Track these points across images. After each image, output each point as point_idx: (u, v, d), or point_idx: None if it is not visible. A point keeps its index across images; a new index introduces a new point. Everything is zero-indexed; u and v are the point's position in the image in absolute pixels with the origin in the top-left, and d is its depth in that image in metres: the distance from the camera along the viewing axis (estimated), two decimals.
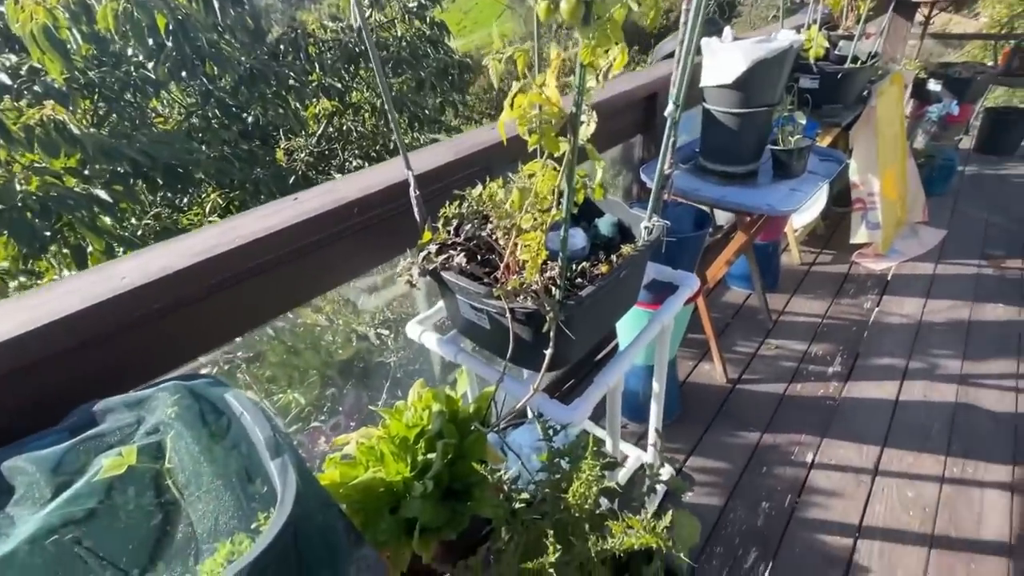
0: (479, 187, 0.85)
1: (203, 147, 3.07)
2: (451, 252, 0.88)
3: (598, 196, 0.86)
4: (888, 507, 1.50)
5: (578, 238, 1.07)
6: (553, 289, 0.83)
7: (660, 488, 1.58)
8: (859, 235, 2.57)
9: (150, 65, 2.61)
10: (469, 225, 0.95)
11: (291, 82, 3.54)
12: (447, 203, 0.89)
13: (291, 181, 3.69)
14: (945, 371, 1.95)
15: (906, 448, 1.67)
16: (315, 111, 4.64)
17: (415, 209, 0.96)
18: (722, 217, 2.63)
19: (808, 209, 2.66)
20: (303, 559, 0.68)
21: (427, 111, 4.41)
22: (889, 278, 2.50)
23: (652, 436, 1.36)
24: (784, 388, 1.91)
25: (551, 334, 0.83)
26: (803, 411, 1.82)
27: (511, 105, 0.65)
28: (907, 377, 1.93)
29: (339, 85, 4.02)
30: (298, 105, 4.21)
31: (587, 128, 0.72)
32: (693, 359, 2.05)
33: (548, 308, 0.79)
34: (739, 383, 1.94)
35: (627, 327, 1.64)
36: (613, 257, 1.06)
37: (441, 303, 1.07)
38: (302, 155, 4.88)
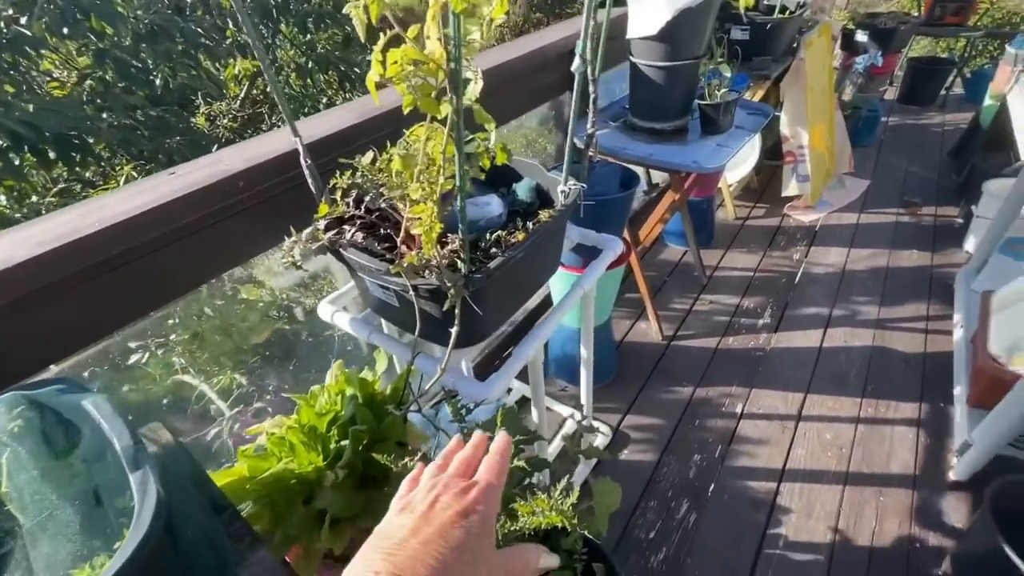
0: (369, 154, 0.78)
1: (103, 114, 2.77)
2: (344, 227, 0.81)
3: (500, 160, 0.80)
4: (808, 450, 1.58)
5: (494, 205, 1.02)
6: (459, 263, 0.78)
7: (599, 446, 1.61)
8: (790, 188, 2.63)
9: (23, 20, 2.29)
10: (369, 196, 0.87)
11: (202, 40, 3.22)
12: (338, 173, 0.81)
13: (214, 149, 3.42)
14: (864, 317, 2.05)
15: (826, 393, 1.76)
16: (234, 72, 4.28)
17: (309, 181, 0.87)
18: (659, 175, 2.62)
19: (741, 164, 2.69)
20: (190, 569, 0.63)
21: (357, 69, 4.15)
22: (817, 229, 2.59)
23: (585, 404, 1.36)
24: (717, 342, 1.96)
25: (456, 311, 0.78)
26: (734, 363, 1.88)
27: (381, 62, 0.58)
28: (830, 325, 2.02)
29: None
30: (213, 66, 3.87)
31: (474, 86, 0.65)
32: (630, 318, 2.07)
33: (449, 284, 0.74)
34: (674, 340, 1.98)
35: (559, 291, 1.62)
36: (530, 224, 1.01)
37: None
38: (224, 120, 4.53)
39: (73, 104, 2.58)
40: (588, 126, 1.32)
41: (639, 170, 2.45)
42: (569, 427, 1.65)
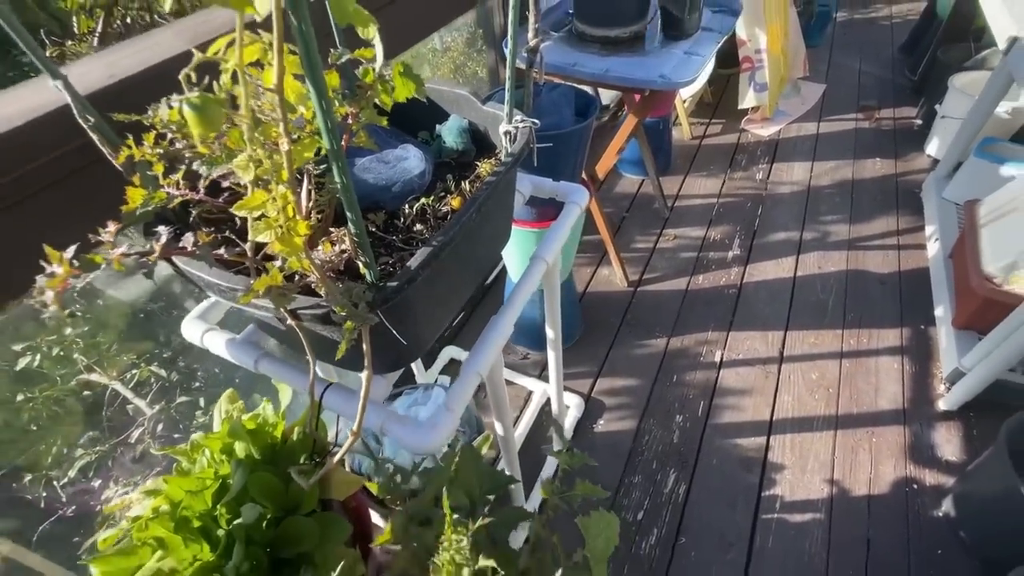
0: (164, 103, 0.45)
1: None
2: (158, 231, 0.49)
3: (402, 93, 0.50)
4: (795, 395, 1.46)
5: (412, 160, 0.72)
6: (361, 266, 0.50)
7: (571, 420, 1.42)
8: (747, 99, 2.39)
9: None
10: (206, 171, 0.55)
11: None
12: (131, 137, 0.48)
13: None
14: (836, 238, 1.91)
15: (807, 327, 1.62)
16: (81, 2, 3.46)
17: (104, 150, 0.53)
18: (609, 94, 2.31)
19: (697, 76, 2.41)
20: None
21: None
22: (778, 142, 2.40)
23: (553, 380, 1.14)
24: (687, 283, 1.78)
25: (364, 346, 0.50)
26: (708, 305, 1.71)
27: None
28: (802, 250, 1.87)
29: None
30: None
31: None
32: (590, 264, 1.84)
33: (343, 312, 0.45)
34: (641, 285, 1.78)
35: (512, 253, 1.35)
36: (466, 185, 0.73)
37: None
38: None
39: None
40: (529, 38, 0.99)
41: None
42: (537, 399, 1.44)
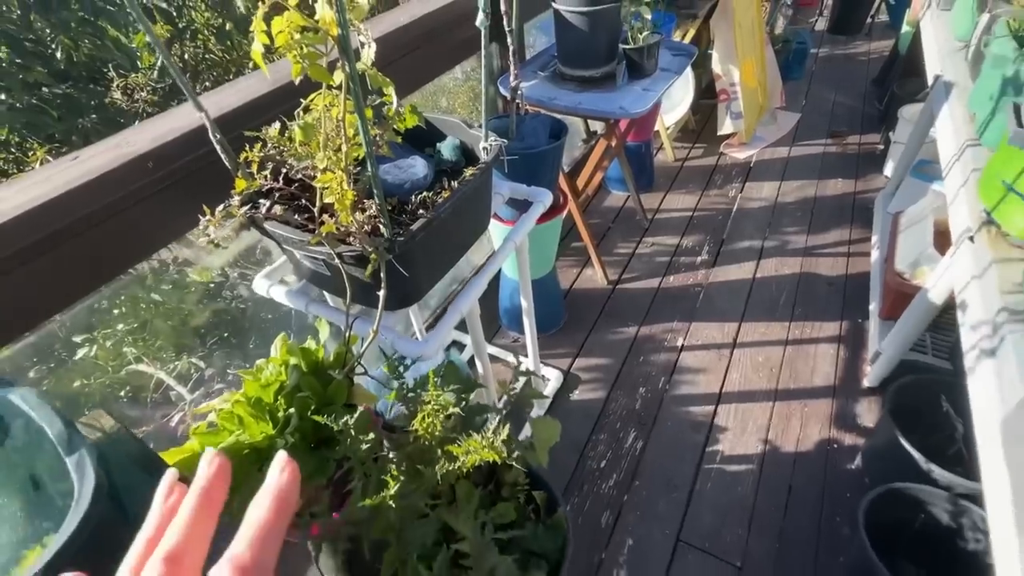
0: (276, 125, 0.77)
1: (1, 95, 2.54)
2: (261, 201, 0.81)
3: (410, 123, 0.81)
4: (742, 373, 1.72)
5: (418, 167, 1.03)
6: (383, 229, 0.80)
7: (550, 390, 1.70)
8: (725, 126, 2.70)
9: None
10: (286, 168, 0.87)
11: (101, 3, 2.96)
12: (247, 146, 0.81)
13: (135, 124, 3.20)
14: (793, 246, 2.18)
15: (759, 320, 1.89)
16: (146, 39, 3.96)
17: (222, 156, 0.86)
18: (598, 123, 2.64)
19: (677, 106, 2.73)
20: None
21: None
22: (752, 165, 2.68)
23: (529, 350, 1.43)
24: (659, 282, 2.06)
25: (382, 275, 0.81)
26: (675, 300, 1.98)
27: (266, 32, 0.57)
28: (763, 256, 2.14)
29: (164, 5, 3.41)
30: (123, 34, 3.57)
31: (367, 51, 0.66)
32: (576, 267, 2.14)
33: (370, 249, 0.76)
34: (619, 283, 2.06)
35: (500, 239, 1.65)
36: (455, 184, 1.03)
37: None
38: (143, 93, 4.22)
39: None
40: (511, 78, 1.32)
41: (578, 120, 2.46)
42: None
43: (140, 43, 4.02)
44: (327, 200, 0.71)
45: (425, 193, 0.99)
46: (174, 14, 3.58)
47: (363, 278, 0.87)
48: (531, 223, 1.17)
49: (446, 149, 1.08)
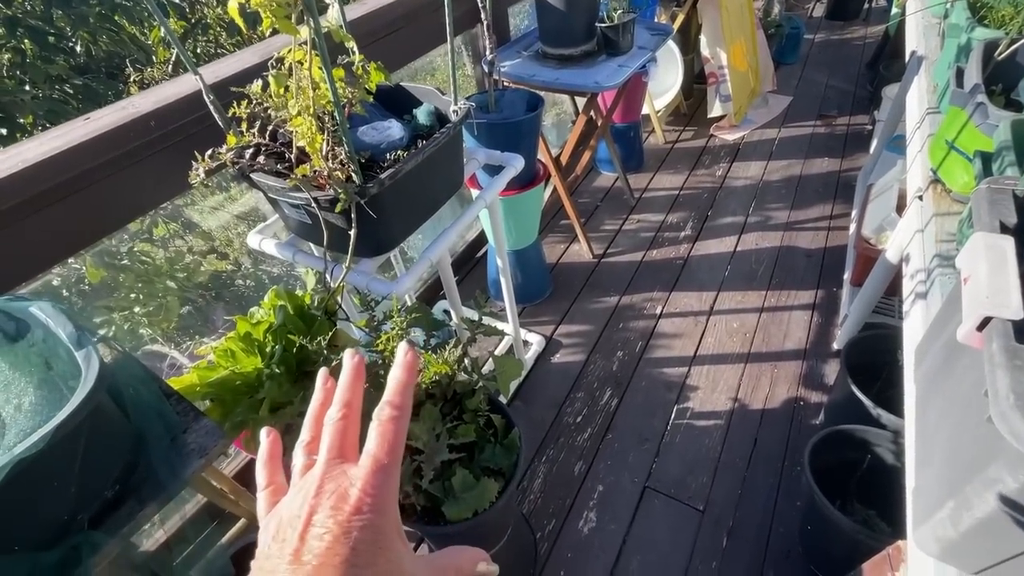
0: (257, 82, 0.88)
1: (25, 87, 2.70)
2: (246, 152, 0.92)
3: (375, 79, 0.91)
4: (717, 338, 1.79)
5: (394, 129, 1.12)
6: (354, 176, 0.90)
7: (532, 353, 1.79)
8: (715, 109, 2.76)
9: None
10: (271, 125, 0.98)
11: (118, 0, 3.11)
12: (235, 103, 0.91)
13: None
14: (775, 221, 2.24)
15: (736, 289, 1.96)
16: (160, 35, 4.12)
17: (215, 115, 0.96)
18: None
19: (667, 90, 2.80)
20: (143, 436, 0.78)
21: None
22: (740, 146, 2.74)
23: (508, 311, 1.52)
24: (642, 256, 2.14)
25: (352, 216, 0.91)
26: (657, 272, 2.06)
27: None
28: (744, 231, 2.21)
29: (178, 0, 3.57)
30: (138, 30, 3.73)
31: (333, 11, 0.76)
32: (564, 242, 2.22)
33: (340, 191, 0.86)
34: (604, 257, 2.15)
35: (483, 213, 1.74)
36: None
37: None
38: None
39: None
40: (487, 54, 1.42)
41: (569, 102, 2.54)
42: (505, 341, 1.82)
43: (156, 39, 4.19)
44: (299, 143, 0.81)
45: (400, 152, 1.08)
46: (186, 9, 3.73)
47: (340, 224, 0.97)
48: (502, 183, 1.27)
49: (421, 114, 1.17)
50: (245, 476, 1.45)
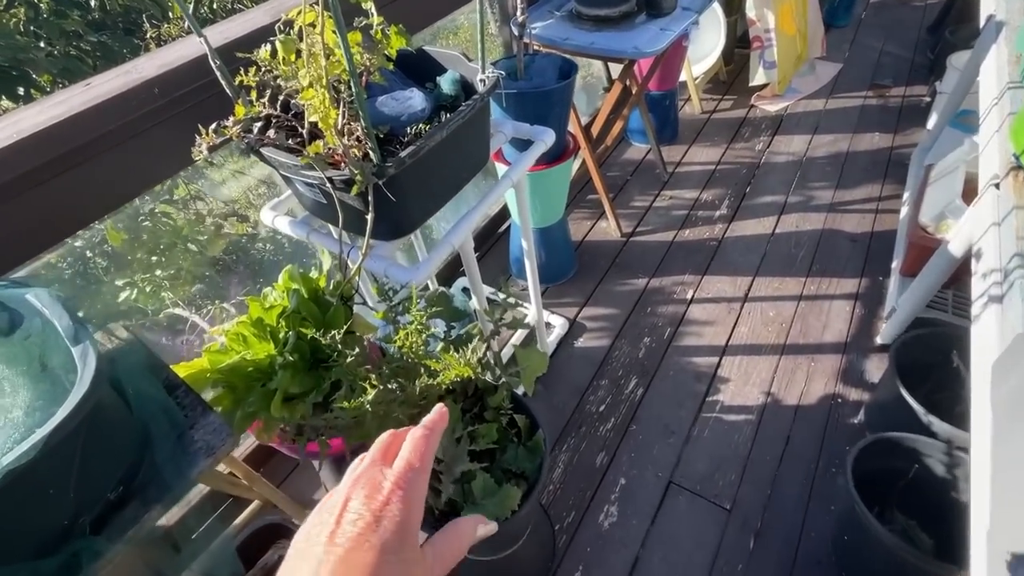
0: (266, 47, 0.79)
1: (40, 43, 2.63)
2: (255, 125, 0.84)
3: (396, 44, 0.81)
4: (751, 327, 1.70)
5: (415, 99, 1.03)
6: (371, 154, 0.82)
7: (555, 337, 1.72)
8: (757, 76, 2.57)
9: None
10: (283, 94, 0.89)
11: None
12: (242, 70, 0.83)
13: None
14: (818, 202, 2.10)
15: (773, 275, 1.84)
16: None
17: (222, 83, 0.88)
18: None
19: (707, 55, 2.61)
20: (147, 433, 0.73)
21: None
22: (783, 117, 2.56)
23: (531, 294, 1.44)
24: (673, 235, 2.03)
25: (369, 199, 0.83)
26: (688, 254, 1.95)
27: None
28: (784, 212, 2.07)
29: None
30: None
31: None
32: (591, 219, 2.12)
33: (356, 172, 0.78)
34: (633, 236, 2.04)
35: (510, 192, 1.65)
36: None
37: None
38: None
39: (4, 33, 2.45)
40: (517, 14, 1.30)
41: (597, 64, 2.38)
42: (528, 320, 1.75)
43: None
44: (311, 119, 0.73)
45: (422, 125, 0.99)
46: None
47: (357, 206, 0.89)
48: (530, 160, 1.17)
49: (445, 83, 1.08)
50: (257, 458, 1.43)
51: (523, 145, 1.45)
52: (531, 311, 1.76)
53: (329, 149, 0.79)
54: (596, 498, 1.36)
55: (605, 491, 1.37)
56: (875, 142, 2.34)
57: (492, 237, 2.09)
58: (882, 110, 2.52)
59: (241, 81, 0.84)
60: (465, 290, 1.90)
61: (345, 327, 1.07)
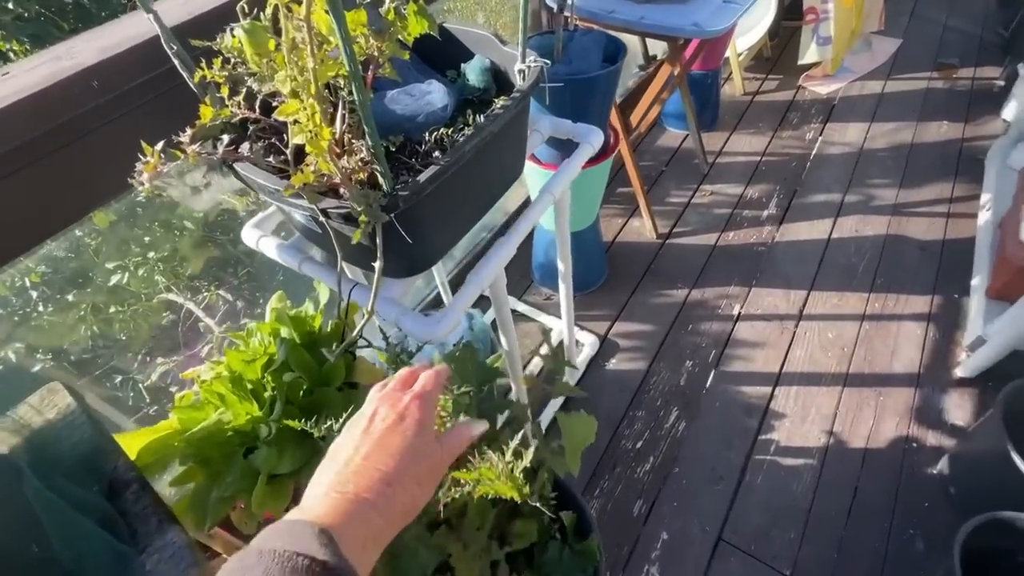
0: (233, 33, 0.56)
1: (8, 4, 2.37)
2: (222, 136, 0.62)
3: (415, 30, 0.59)
4: (808, 351, 1.49)
5: (435, 95, 0.81)
6: (381, 180, 0.61)
7: (584, 357, 1.52)
8: (808, 53, 2.29)
9: None
10: (262, 95, 0.67)
11: None
12: (203, 62, 0.61)
13: None
14: (880, 202, 1.86)
15: (832, 289, 1.63)
16: None
17: (183, 73, 0.66)
18: (660, 45, 2.27)
19: (754, 27, 2.32)
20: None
21: None
22: (836, 102, 2.29)
23: (564, 319, 1.24)
24: (716, 238, 1.80)
25: (378, 241, 0.62)
26: (734, 261, 1.73)
27: None
28: (841, 213, 1.84)
29: None
30: None
31: None
32: (622, 216, 1.89)
33: (360, 209, 0.57)
34: (669, 238, 1.82)
35: (536, 192, 1.43)
36: (480, 118, 0.81)
37: None
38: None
39: None
40: None
41: (633, 39, 2.11)
42: (555, 336, 1.55)
43: None
44: (296, 140, 0.51)
45: (443, 129, 0.78)
46: None
47: (362, 240, 0.68)
48: (575, 170, 0.95)
49: (473, 72, 0.85)
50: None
51: (562, 146, 1.23)
52: (560, 329, 1.56)
53: (323, 176, 0.58)
54: (635, 555, 1.18)
55: (645, 547, 1.19)
56: (943, 132, 2.08)
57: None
58: (949, 95, 2.24)
59: (203, 76, 0.61)
60: (482, 296, 1.69)
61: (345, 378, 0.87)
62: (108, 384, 1.56)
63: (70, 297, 1.65)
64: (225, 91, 0.63)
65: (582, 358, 1.51)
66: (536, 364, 1.51)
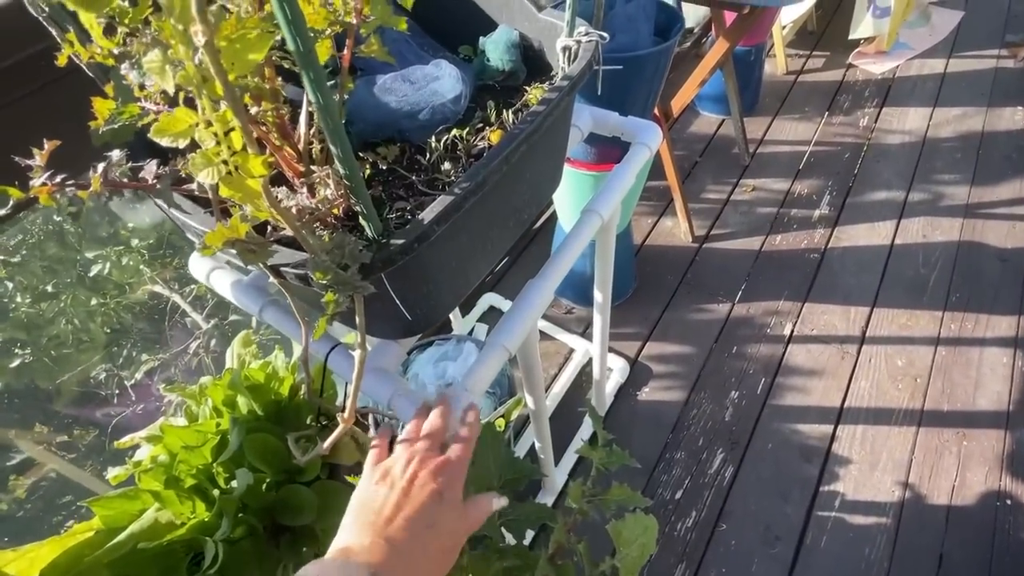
0: None
1: None
2: (109, 154, 0.39)
3: None
4: (874, 381, 1.28)
5: (444, 79, 0.60)
6: (365, 225, 0.39)
7: (613, 385, 1.32)
8: (862, 27, 2.02)
9: None
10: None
11: None
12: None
13: None
14: (950, 201, 1.62)
15: (899, 306, 1.41)
16: None
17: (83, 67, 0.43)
18: (691, 14, 2.00)
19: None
20: None
21: None
22: (892, 83, 2.03)
23: (597, 335, 1.01)
24: (761, 243, 1.57)
25: (358, 308, 0.40)
26: (782, 270, 1.51)
27: None
28: (905, 214, 1.60)
29: None
30: None
31: None
32: (653, 214, 1.66)
33: (325, 273, 0.35)
34: (707, 241, 1.59)
35: (564, 196, 1.20)
36: (509, 115, 0.60)
37: None
38: None
39: None
40: None
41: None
42: (578, 357, 1.34)
43: None
44: (200, 177, 0.29)
45: (456, 131, 0.56)
46: None
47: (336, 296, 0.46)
48: (628, 181, 0.72)
49: (495, 49, 0.63)
50: None
51: (602, 143, 0.99)
52: (590, 352, 1.35)
53: (268, 224, 0.36)
54: None
55: None
56: (1018, 120, 1.83)
57: (525, 236, 1.64)
58: (1022, 77, 1.98)
59: (76, 53, 0.39)
60: (493, 309, 1.48)
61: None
62: (92, 381, 1.42)
63: (49, 288, 1.49)
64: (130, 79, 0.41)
65: (611, 386, 1.30)
66: (556, 389, 1.30)
